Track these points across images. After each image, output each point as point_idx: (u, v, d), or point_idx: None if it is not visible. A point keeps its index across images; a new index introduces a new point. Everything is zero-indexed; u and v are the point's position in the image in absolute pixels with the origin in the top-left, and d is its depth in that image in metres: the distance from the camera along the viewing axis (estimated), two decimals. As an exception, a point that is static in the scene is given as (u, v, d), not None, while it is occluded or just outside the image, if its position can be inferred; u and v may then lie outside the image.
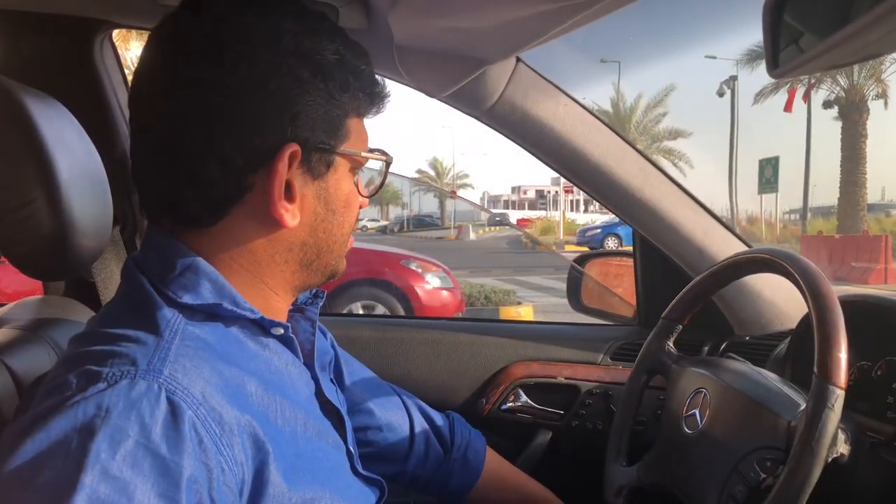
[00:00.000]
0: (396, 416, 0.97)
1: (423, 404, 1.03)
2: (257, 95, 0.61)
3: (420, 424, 0.99)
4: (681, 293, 1.03)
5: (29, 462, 0.47)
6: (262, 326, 0.67)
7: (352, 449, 0.77)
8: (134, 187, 0.68)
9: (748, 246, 1.21)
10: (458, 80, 1.01)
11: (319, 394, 0.74)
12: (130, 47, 8.17)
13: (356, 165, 0.71)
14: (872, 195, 22.84)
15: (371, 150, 0.72)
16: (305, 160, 0.64)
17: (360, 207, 0.75)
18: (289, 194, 0.64)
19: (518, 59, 1.06)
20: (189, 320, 0.61)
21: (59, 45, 1.13)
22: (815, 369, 0.74)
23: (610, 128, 1.15)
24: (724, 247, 1.21)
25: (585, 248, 18.98)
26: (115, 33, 1.22)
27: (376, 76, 0.71)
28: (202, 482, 0.51)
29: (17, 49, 1.09)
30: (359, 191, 0.73)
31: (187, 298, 0.61)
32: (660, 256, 1.27)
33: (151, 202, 0.67)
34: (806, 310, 1.13)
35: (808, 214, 24.47)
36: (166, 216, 0.66)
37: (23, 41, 1.09)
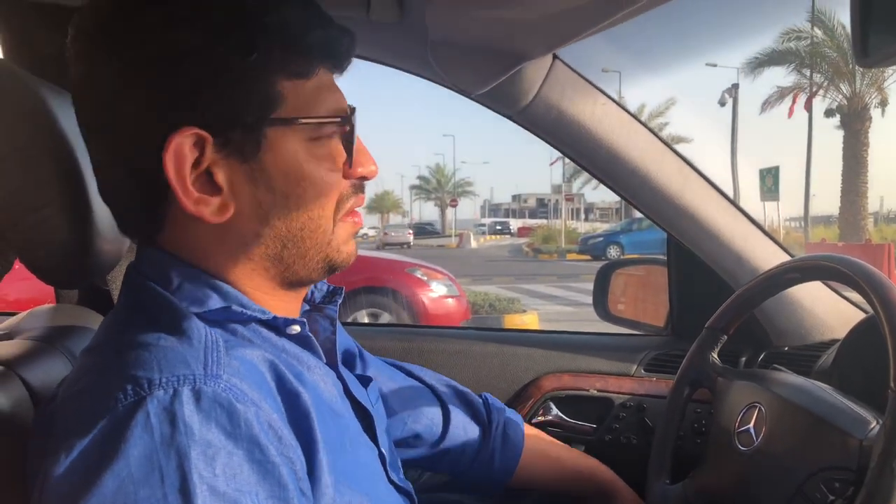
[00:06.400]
0: (429, 412, 0.94)
1: (455, 383, 1.00)
2: (129, 85, 0.54)
3: (455, 412, 0.96)
4: (728, 301, 0.98)
5: (115, 495, 0.44)
6: (275, 327, 0.61)
7: (384, 451, 0.72)
8: None
9: (790, 254, 1.16)
10: (494, 76, 0.96)
11: (348, 394, 0.69)
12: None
13: (316, 134, 0.58)
14: (871, 204, 22.81)
15: (325, 116, 0.58)
16: (221, 142, 0.55)
17: (362, 177, 0.63)
18: (212, 185, 0.56)
19: (555, 56, 1.01)
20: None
21: None
22: (892, 384, 0.69)
23: (648, 128, 1.10)
24: (765, 255, 1.16)
25: (587, 256, 18.97)
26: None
27: (306, 19, 0.57)
28: (297, 471, 0.51)
29: (29, 43, 1.04)
30: (335, 159, 0.60)
31: (195, 308, 0.56)
32: (695, 264, 1.22)
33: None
34: (851, 319, 1.11)
35: (809, 222, 24.42)
36: (124, 230, 0.63)
37: (36, 35, 1.04)
